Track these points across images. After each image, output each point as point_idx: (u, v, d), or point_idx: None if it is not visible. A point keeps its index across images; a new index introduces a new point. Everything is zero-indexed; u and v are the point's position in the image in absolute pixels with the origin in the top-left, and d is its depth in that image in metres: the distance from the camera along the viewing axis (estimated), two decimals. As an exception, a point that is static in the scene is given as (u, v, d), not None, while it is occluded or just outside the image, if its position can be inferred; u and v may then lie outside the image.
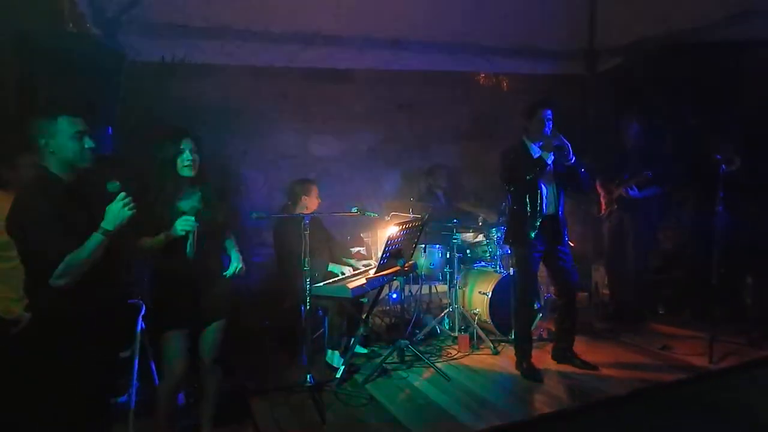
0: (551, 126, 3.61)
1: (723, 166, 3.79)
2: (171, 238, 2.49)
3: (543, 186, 3.63)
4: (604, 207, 4.96)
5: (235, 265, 2.74)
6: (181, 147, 2.59)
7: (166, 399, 2.67)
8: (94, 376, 2.19)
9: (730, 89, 4.73)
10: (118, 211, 2.12)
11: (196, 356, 2.73)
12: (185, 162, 2.58)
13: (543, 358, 3.96)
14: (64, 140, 2.12)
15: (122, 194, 2.13)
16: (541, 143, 3.63)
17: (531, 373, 3.65)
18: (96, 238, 2.09)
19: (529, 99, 6.31)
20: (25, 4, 3.20)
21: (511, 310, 4.31)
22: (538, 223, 3.59)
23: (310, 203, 4.14)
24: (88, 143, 2.17)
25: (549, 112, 3.62)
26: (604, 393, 3.38)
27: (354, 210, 3.90)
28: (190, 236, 2.50)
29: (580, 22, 5.64)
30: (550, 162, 3.57)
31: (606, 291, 5.36)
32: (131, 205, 2.14)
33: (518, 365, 3.76)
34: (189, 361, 2.66)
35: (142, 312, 3.17)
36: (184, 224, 2.48)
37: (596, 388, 3.46)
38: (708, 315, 4.02)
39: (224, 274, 2.73)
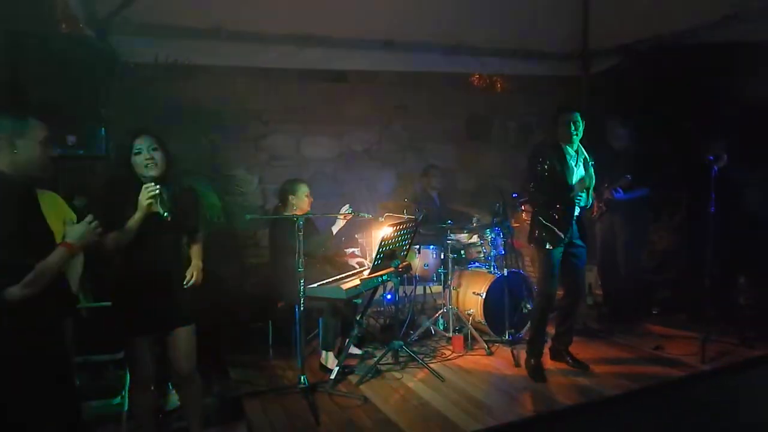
0: (578, 132, 3.64)
1: (715, 167, 3.81)
2: (140, 218, 2.43)
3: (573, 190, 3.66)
4: (595, 209, 4.98)
5: (191, 273, 2.66)
6: (137, 147, 2.51)
7: (137, 402, 2.65)
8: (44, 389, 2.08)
9: (723, 90, 4.76)
10: (82, 232, 2.08)
11: (170, 367, 2.68)
12: (143, 161, 2.50)
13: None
14: (31, 144, 2.03)
15: (90, 217, 2.08)
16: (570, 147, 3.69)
17: (537, 373, 3.65)
18: (59, 252, 2.03)
19: (524, 100, 6.40)
20: (17, 5, 3.19)
21: (505, 311, 4.34)
22: (573, 225, 3.66)
23: (298, 203, 4.11)
24: (53, 151, 2.11)
25: (574, 115, 3.63)
26: (597, 393, 3.39)
27: (349, 211, 3.89)
28: (161, 201, 2.44)
29: (574, 24, 5.65)
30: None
31: (599, 291, 5.39)
32: (97, 229, 2.10)
33: (527, 362, 3.77)
34: (155, 366, 2.61)
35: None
36: (146, 193, 2.40)
37: (590, 389, 3.47)
38: (701, 315, 4.04)
39: (184, 283, 2.66)
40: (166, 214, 2.47)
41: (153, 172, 2.52)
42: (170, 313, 2.58)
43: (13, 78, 3.17)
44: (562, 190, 3.61)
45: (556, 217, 3.62)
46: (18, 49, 3.15)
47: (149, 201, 2.41)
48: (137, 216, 2.43)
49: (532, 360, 3.74)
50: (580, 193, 3.68)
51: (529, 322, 4.08)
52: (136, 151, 2.52)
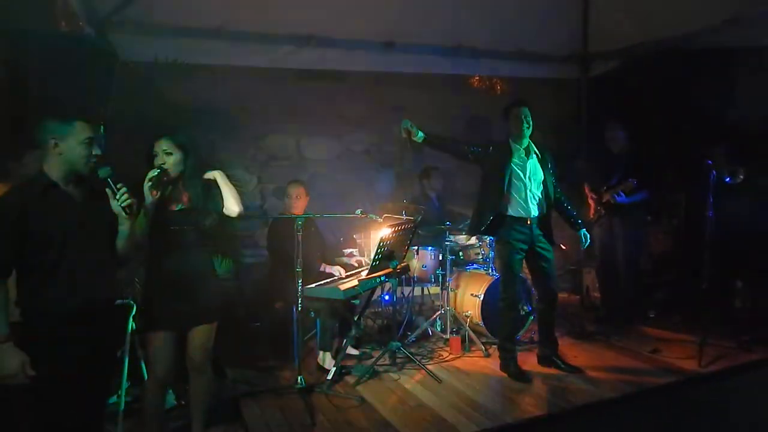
0: (529, 127, 3.65)
1: (714, 171, 3.82)
2: (148, 204, 2.47)
3: (526, 187, 3.65)
4: (593, 211, 4.98)
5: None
6: (154, 150, 2.59)
7: (151, 400, 2.67)
8: (90, 378, 2.18)
9: (722, 95, 4.77)
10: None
11: (185, 358, 2.72)
12: (157, 164, 2.57)
13: (532, 361, 3.97)
14: (75, 144, 2.12)
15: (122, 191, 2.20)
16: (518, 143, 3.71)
17: (519, 375, 3.66)
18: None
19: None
20: (17, 3, 3.19)
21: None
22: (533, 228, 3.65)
23: (288, 203, 4.13)
24: (96, 150, 2.18)
25: (524, 109, 3.66)
26: (594, 396, 3.39)
27: (358, 212, 3.90)
28: (156, 184, 2.49)
29: (574, 27, 5.66)
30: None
31: (597, 294, 5.39)
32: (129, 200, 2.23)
33: (504, 368, 3.77)
34: (175, 363, 2.65)
35: (133, 312, 3.15)
36: (146, 178, 2.46)
37: (586, 391, 3.47)
38: (698, 318, 4.05)
39: (215, 275, 2.73)
40: (152, 190, 2.49)
41: (170, 174, 2.60)
42: (197, 309, 2.64)
43: (13, 76, 3.17)
44: (496, 185, 3.65)
45: (487, 210, 3.69)
46: (17, 47, 3.14)
47: (148, 184, 2.46)
48: (146, 203, 2.48)
49: (510, 365, 3.73)
50: (535, 192, 3.68)
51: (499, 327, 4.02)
52: (154, 153, 2.60)
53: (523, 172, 3.65)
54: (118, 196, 2.19)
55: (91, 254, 2.18)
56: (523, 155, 3.68)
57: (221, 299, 2.81)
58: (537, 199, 3.70)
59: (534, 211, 3.68)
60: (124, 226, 2.28)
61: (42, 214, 2.08)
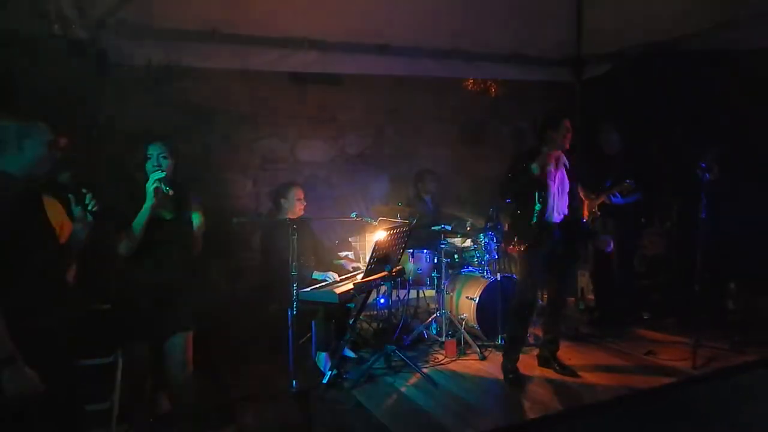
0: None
1: (707, 174, 3.84)
2: (149, 207, 2.45)
3: (552, 194, 3.65)
4: (586, 213, 5.00)
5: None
6: (148, 153, 2.58)
7: (135, 411, 2.65)
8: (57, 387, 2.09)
9: (715, 97, 4.80)
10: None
11: (165, 371, 2.67)
12: (151, 168, 2.56)
13: (528, 363, 3.97)
14: (39, 145, 2.08)
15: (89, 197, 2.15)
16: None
17: (515, 380, 3.66)
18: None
19: (517, 105, 6.40)
20: (9, 5, 3.17)
21: (498, 315, 4.34)
22: (540, 229, 3.64)
23: (290, 206, 4.12)
24: (55, 153, 2.14)
25: (568, 121, 3.66)
26: (589, 398, 3.40)
27: (353, 215, 3.89)
28: (164, 184, 2.48)
29: (567, 30, 5.68)
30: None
31: (591, 296, 5.41)
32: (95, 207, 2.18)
33: (503, 369, 3.77)
34: (151, 371, 2.62)
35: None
36: (152, 178, 2.44)
37: (582, 394, 3.48)
38: (691, 320, 4.07)
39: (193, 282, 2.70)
40: (168, 189, 2.49)
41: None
42: (170, 318, 2.60)
43: (5, 78, 3.15)
44: (531, 193, 3.62)
45: (528, 220, 3.64)
46: (10, 49, 3.13)
47: (155, 185, 2.45)
48: (146, 205, 2.46)
49: (509, 367, 3.73)
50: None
51: (508, 328, 3.99)
52: (148, 156, 2.60)
53: (552, 182, 3.66)
54: (87, 201, 2.15)
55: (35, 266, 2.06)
56: (553, 166, 3.68)
57: (196, 308, 2.74)
58: (562, 209, 3.71)
59: (558, 219, 3.70)
60: (81, 234, 2.22)
61: (20, 216, 2.01)
